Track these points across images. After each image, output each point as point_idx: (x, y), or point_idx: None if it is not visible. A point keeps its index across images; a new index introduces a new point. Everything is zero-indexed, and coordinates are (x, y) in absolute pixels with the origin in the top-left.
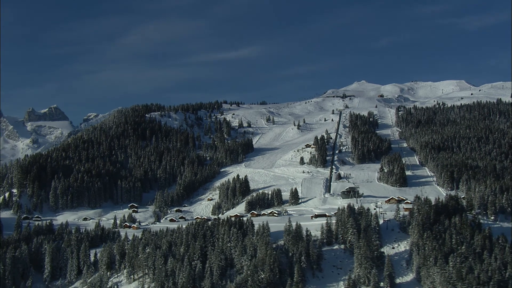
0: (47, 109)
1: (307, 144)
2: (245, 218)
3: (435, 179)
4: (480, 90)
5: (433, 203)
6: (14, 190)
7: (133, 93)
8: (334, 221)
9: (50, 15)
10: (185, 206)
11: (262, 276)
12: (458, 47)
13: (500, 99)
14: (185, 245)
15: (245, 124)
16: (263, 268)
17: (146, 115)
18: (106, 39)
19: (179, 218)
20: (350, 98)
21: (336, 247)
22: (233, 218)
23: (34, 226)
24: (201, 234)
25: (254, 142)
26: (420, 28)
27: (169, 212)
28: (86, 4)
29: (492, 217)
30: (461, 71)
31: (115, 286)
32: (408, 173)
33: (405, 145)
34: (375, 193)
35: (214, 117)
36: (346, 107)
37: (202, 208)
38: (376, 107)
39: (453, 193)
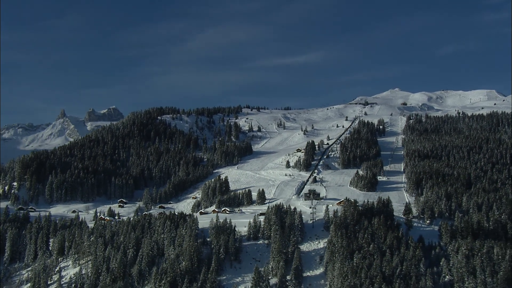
0: (106, 109)
1: (298, 149)
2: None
3: (405, 185)
4: (504, 100)
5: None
6: (14, 183)
7: (192, 96)
8: (262, 219)
9: (119, 18)
10: (170, 203)
11: (183, 264)
12: None
13: None
14: (124, 234)
15: (255, 129)
16: (184, 258)
17: (158, 117)
18: (171, 43)
19: (159, 213)
20: (371, 106)
21: (260, 241)
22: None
23: (11, 215)
24: (140, 225)
25: (259, 146)
26: (485, 36)
27: (152, 208)
28: (154, 8)
29: (428, 221)
30: None
31: (61, 270)
32: (383, 178)
33: (402, 152)
34: (341, 196)
35: (227, 121)
36: (365, 114)
37: (185, 205)
38: (391, 114)
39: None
